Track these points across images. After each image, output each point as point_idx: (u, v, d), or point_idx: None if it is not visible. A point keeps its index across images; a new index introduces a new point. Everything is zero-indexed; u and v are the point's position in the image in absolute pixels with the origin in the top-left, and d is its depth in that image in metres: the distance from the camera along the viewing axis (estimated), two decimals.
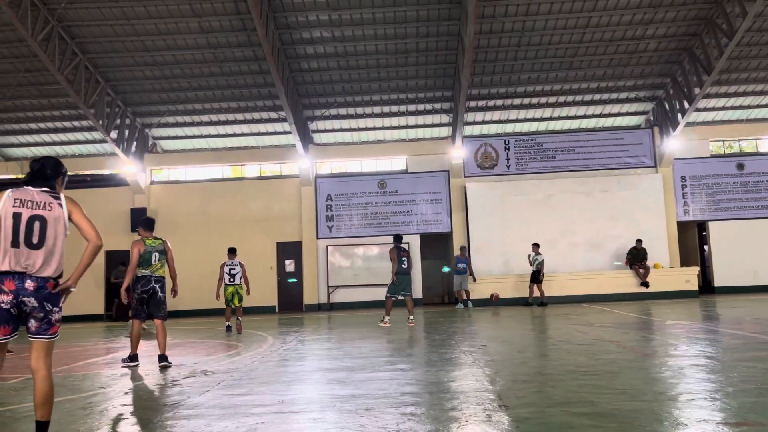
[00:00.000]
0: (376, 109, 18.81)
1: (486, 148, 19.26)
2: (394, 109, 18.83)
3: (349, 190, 19.27)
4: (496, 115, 19.30)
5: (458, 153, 18.66)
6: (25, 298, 3.67)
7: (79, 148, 19.96)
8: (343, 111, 18.82)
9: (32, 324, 3.74)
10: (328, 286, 18.78)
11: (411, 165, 19.44)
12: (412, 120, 19.37)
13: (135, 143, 18.79)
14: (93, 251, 3.93)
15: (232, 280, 12.22)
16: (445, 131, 19.69)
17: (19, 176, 19.12)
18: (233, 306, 12.24)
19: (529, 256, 16.77)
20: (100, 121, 16.84)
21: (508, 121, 19.56)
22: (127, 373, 7.24)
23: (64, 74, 15.23)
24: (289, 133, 18.56)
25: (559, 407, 4.58)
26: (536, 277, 16.55)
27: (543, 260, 16.63)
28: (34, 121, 18.73)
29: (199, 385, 6.11)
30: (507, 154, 19.21)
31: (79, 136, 19.41)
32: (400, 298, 11.79)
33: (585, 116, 19.55)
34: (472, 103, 18.45)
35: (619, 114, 19.59)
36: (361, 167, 19.70)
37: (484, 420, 4.26)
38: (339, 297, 18.72)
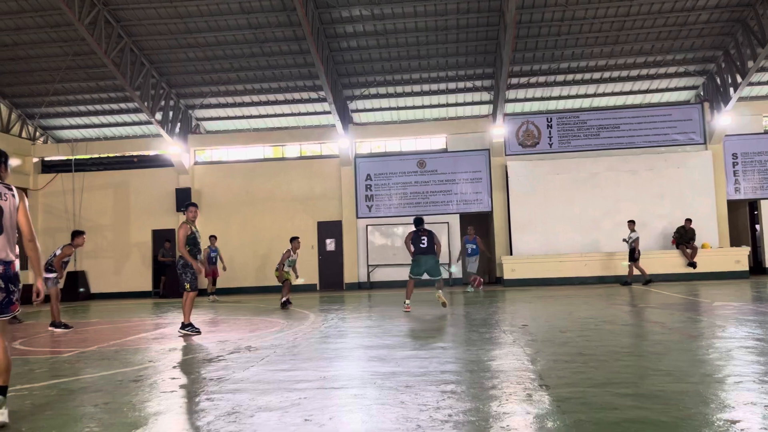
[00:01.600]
0: (416, 88, 18.66)
1: (528, 125, 18.93)
2: (434, 87, 18.65)
3: (389, 170, 19.26)
4: (539, 92, 18.92)
5: (499, 131, 18.40)
6: None
7: (126, 130, 20.47)
8: (382, 90, 18.75)
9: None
10: (368, 265, 18.92)
11: (451, 144, 19.27)
12: (452, 98, 19.16)
13: (179, 124, 19.16)
14: (31, 248, 4.20)
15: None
16: (486, 109, 19.43)
17: (69, 158, 19.79)
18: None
19: (629, 236, 16.05)
20: (146, 103, 17.22)
21: (550, 98, 19.16)
22: (175, 348, 7.48)
23: (111, 57, 15.59)
24: (328, 113, 18.61)
25: (602, 388, 4.54)
26: (632, 255, 15.95)
27: (637, 237, 15.97)
28: (83, 104, 19.27)
29: (244, 361, 6.28)
30: (549, 131, 18.84)
31: (126, 117, 19.90)
32: (423, 278, 11.21)
33: (631, 92, 18.98)
34: (514, 80, 18.12)
35: (668, 89, 18.96)
36: (401, 146, 19.64)
37: (525, 399, 4.26)
38: (378, 276, 18.84)
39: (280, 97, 18.94)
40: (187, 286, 8.69)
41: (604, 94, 19.01)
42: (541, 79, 18.32)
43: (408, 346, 6.95)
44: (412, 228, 11.47)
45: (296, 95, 18.88)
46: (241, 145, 19.90)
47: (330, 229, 19.29)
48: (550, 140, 18.82)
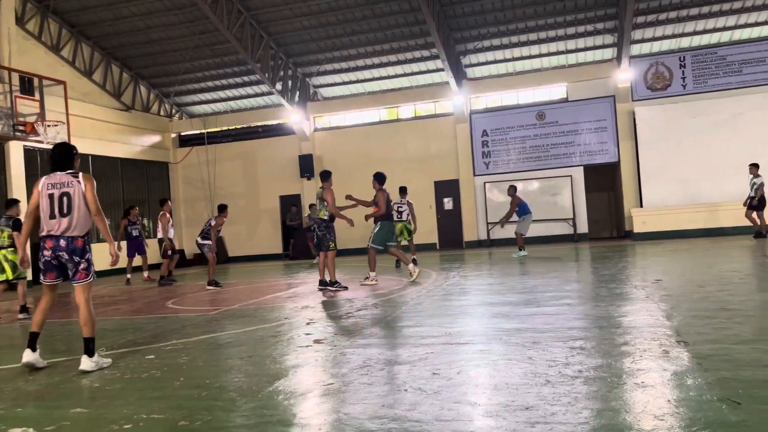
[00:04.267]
0: (532, 36, 17.84)
1: (657, 67, 17.52)
2: (552, 33, 17.72)
3: (506, 124, 18.76)
4: (669, 29, 17.36)
5: (625, 75, 17.21)
6: (60, 253, 4.94)
7: (250, 102, 21.51)
8: (496, 41, 18.12)
9: (69, 271, 5.00)
10: (488, 223, 18.72)
11: (572, 92, 18.34)
12: (571, 44, 18.12)
13: (298, 93, 19.83)
14: (98, 220, 5.07)
15: (399, 216, 12.60)
16: (609, 53, 18.19)
17: (202, 132, 21.21)
18: (403, 242, 12.67)
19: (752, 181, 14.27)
20: (266, 74, 17.96)
21: (683, 34, 17.52)
22: (307, 306, 7.92)
23: (233, 32, 16.37)
24: (442, 70, 18.36)
25: (749, 344, 4.23)
26: (756, 203, 14.14)
27: (761, 183, 14.13)
28: (210, 80, 20.46)
29: (371, 317, 6.52)
30: (682, 71, 17.33)
31: (249, 90, 20.89)
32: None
33: None
34: (640, 19, 16.74)
35: None
36: (518, 99, 19.00)
37: (661, 355, 4.07)
38: (498, 233, 18.61)
39: (393, 58, 18.93)
40: (332, 245, 9.27)
41: (746, 25, 17.08)
42: (672, 14, 16.77)
43: (532, 302, 6.85)
44: (380, 184, 10.32)
45: (408, 55, 18.78)
46: (357, 109, 20.24)
47: (447, 188, 19.25)
48: (684, 81, 17.33)
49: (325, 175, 9.57)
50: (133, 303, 9.98)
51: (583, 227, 18.16)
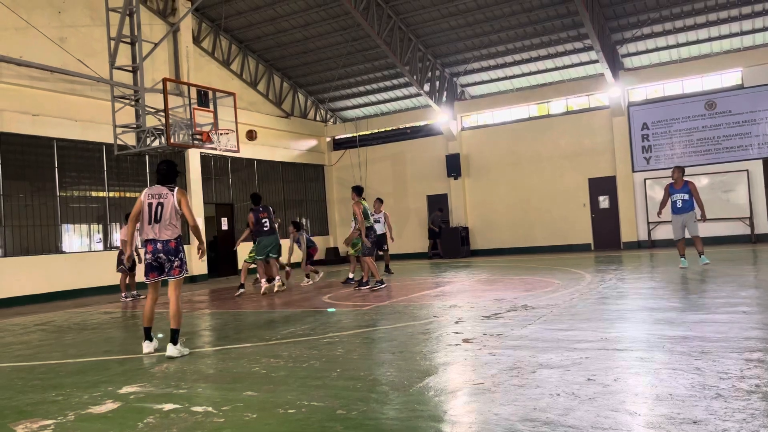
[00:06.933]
0: (700, 19, 16.33)
1: None
2: (723, 14, 16.09)
3: (669, 116, 17.38)
4: None
5: None
6: (159, 255, 5.71)
7: (399, 104, 22.04)
8: (657, 28, 16.85)
9: (166, 270, 5.76)
10: (648, 223, 17.47)
11: (748, 78, 16.52)
12: (747, 24, 16.33)
13: (445, 93, 19.96)
14: (193, 230, 5.86)
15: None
16: None
17: (354, 135, 22.10)
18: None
19: None
20: (414, 76, 18.29)
21: None
22: (455, 305, 7.97)
23: (383, 37, 16.89)
24: (596, 61, 17.47)
25: None
26: None
27: None
28: (362, 84, 21.27)
29: (521, 319, 6.40)
30: None
31: (398, 93, 21.42)
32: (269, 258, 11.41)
33: None
34: None
35: None
36: (683, 88, 17.50)
37: None
38: (661, 234, 17.29)
39: (543, 52, 18.36)
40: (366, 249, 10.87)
41: None
42: None
43: (701, 309, 6.31)
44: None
45: (560, 48, 18.10)
46: (506, 107, 19.90)
47: (603, 186, 18.27)
48: None
49: (358, 191, 10.83)
50: (294, 297, 10.70)
51: (762, 227, 16.31)
